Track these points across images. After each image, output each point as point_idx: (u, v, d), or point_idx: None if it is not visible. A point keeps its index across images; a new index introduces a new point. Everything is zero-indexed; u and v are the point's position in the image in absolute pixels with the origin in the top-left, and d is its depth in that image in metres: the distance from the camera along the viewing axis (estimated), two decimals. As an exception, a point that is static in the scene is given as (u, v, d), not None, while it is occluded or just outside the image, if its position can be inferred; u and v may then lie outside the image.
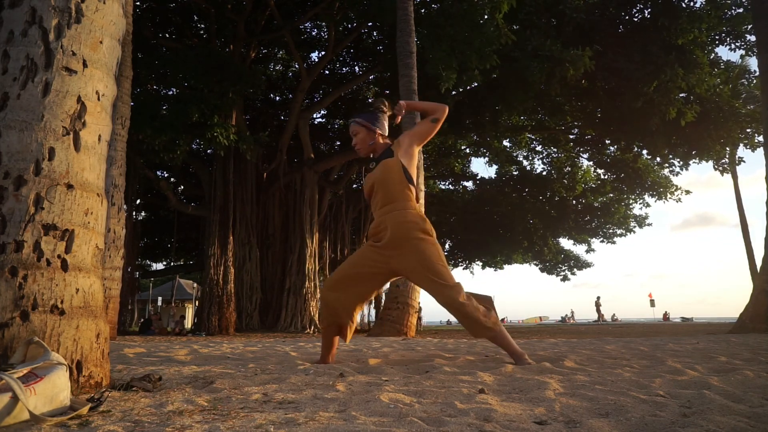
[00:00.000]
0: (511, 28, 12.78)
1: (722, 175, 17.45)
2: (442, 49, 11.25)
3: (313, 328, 15.12)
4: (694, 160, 17.33)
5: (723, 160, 17.42)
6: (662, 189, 20.77)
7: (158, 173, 18.28)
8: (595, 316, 33.71)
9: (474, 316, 2.71)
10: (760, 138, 15.67)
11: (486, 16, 11.43)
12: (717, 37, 15.61)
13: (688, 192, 21.10)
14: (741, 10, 14.32)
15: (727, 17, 14.55)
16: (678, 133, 15.21)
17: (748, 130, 15.58)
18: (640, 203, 23.43)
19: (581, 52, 12.11)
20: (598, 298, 32.78)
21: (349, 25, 16.34)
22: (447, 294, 2.71)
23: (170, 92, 14.79)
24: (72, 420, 1.41)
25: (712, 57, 15.95)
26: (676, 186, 20.86)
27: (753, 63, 16.32)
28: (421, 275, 2.77)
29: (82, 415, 1.47)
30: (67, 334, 1.78)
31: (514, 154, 22.51)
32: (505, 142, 21.05)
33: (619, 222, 23.86)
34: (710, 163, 17.34)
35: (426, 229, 2.83)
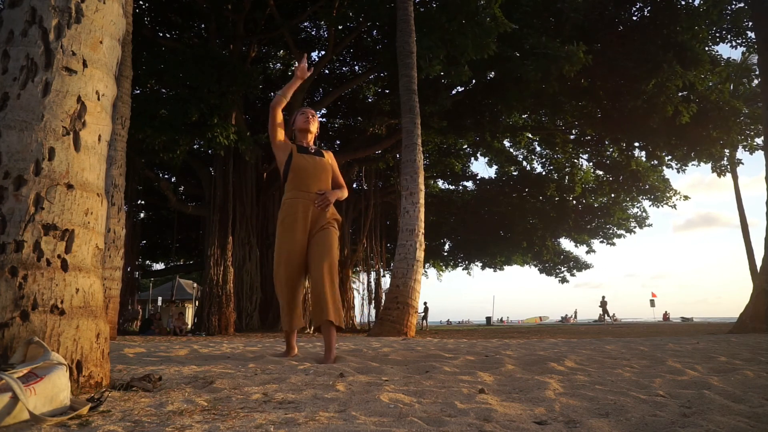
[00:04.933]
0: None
1: (719, 177, 17.39)
2: (431, 39, 11.27)
3: (312, 328, 15.11)
4: (693, 162, 17.29)
5: (721, 162, 17.37)
6: (660, 193, 20.72)
7: (158, 173, 18.26)
8: (595, 316, 33.57)
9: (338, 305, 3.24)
10: (759, 140, 15.63)
11: (482, 3, 11.42)
12: (718, 34, 15.55)
13: (686, 198, 21.03)
14: (741, 4, 14.25)
15: (728, 13, 14.49)
16: (677, 133, 15.20)
17: (749, 132, 15.52)
18: (637, 206, 23.43)
19: (576, 48, 12.12)
20: (603, 297, 32.55)
21: (349, 25, 16.34)
22: (328, 283, 3.20)
23: (170, 92, 14.75)
24: (72, 420, 1.41)
25: (712, 54, 15.90)
26: (675, 191, 20.79)
27: (755, 60, 16.13)
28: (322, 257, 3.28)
29: (82, 415, 1.47)
30: (67, 334, 1.77)
31: (515, 155, 22.50)
32: (505, 143, 21.03)
33: (619, 223, 23.82)
34: (710, 164, 17.30)
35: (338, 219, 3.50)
